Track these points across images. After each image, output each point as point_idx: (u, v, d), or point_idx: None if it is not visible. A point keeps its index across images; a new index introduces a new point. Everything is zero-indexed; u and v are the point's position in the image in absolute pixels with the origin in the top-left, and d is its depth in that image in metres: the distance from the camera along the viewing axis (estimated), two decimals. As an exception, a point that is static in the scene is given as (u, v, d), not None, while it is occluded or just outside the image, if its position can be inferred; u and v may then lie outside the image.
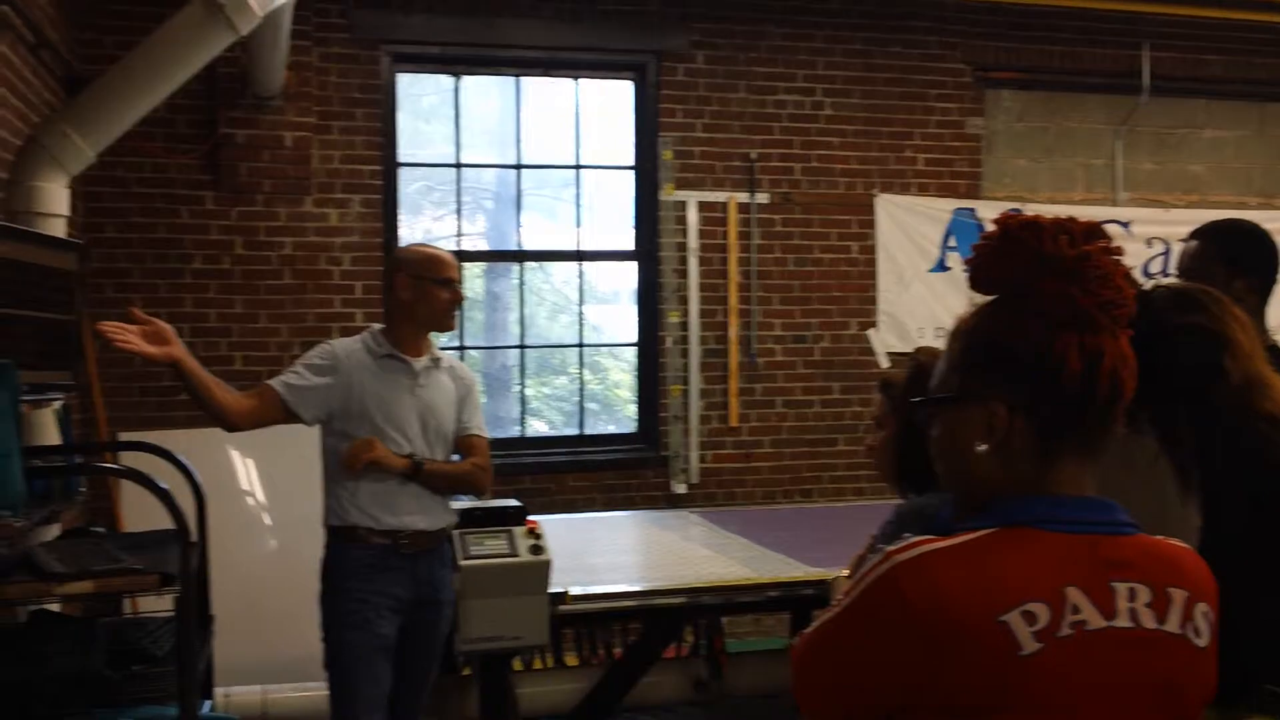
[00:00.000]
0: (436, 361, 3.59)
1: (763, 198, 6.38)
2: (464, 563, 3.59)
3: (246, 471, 5.50)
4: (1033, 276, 1.39)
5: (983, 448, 1.39)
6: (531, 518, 3.80)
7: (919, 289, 6.57)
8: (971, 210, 6.64)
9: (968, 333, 1.45)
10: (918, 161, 6.65)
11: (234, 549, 5.24)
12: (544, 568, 3.66)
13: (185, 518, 2.80)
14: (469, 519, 3.71)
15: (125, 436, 5.32)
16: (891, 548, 1.35)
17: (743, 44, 6.32)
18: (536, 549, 3.67)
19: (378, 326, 3.58)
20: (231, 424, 3.36)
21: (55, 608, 3.42)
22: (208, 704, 3.29)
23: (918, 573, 1.31)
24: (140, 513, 4.36)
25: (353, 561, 3.42)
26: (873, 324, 6.56)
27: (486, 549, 3.65)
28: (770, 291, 6.42)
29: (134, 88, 4.04)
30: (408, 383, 3.51)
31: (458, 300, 3.54)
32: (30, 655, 2.80)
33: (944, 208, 6.63)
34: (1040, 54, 6.71)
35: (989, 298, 1.45)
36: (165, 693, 2.87)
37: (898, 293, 6.56)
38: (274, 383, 3.41)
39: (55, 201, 3.95)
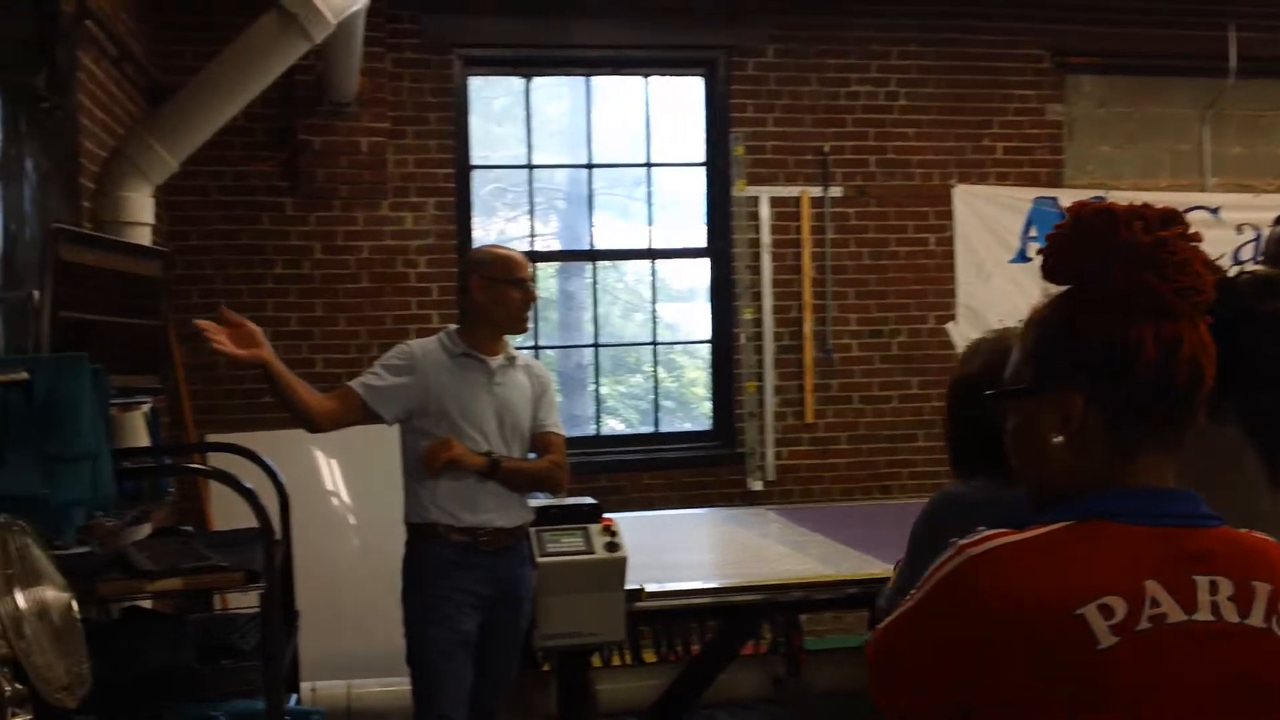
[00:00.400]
0: (512, 360, 3.62)
1: (836, 191, 6.34)
2: (541, 560, 3.63)
3: (331, 471, 5.59)
4: (1107, 264, 1.37)
5: (1058, 439, 1.37)
6: (607, 515, 3.82)
7: (999, 280, 6.47)
8: (1053, 199, 6.52)
9: (1041, 323, 1.43)
10: (996, 150, 6.55)
11: (319, 547, 5.33)
12: (619, 565, 3.68)
13: (269, 516, 2.87)
14: (546, 517, 3.75)
15: (212, 438, 5.43)
16: (964, 540, 1.34)
17: (814, 36, 6.28)
18: (612, 546, 3.69)
19: (453, 327, 3.63)
20: (315, 425, 3.43)
21: (148, 604, 3.52)
22: (294, 697, 3.35)
23: (990, 566, 1.29)
24: (228, 512, 4.44)
25: (434, 559, 3.46)
26: (952, 317, 6.48)
27: (563, 546, 3.68)
28: (845, 286, 6.37)
29: (213, 98, 4.13)
30: (484, 381, 3.54)
31: (530, 300, 3.58)
32: (123, 651, 2.88)
33: (1024, 197, 6.52)
34: (1122, 38, 6.56)
35: (1063, 287, 1.43)
36: (253, 686, 2.93)
37: (977, 285, 6.47)
38: (354, 384, 3.47)
39: (140, 210, 4.06)
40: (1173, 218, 1.37)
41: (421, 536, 3.50)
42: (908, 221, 6.43)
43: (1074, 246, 1.41)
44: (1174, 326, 1.34)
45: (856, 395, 6.39)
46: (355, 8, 4.41)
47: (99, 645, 2.87)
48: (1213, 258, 1.60)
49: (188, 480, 5.33)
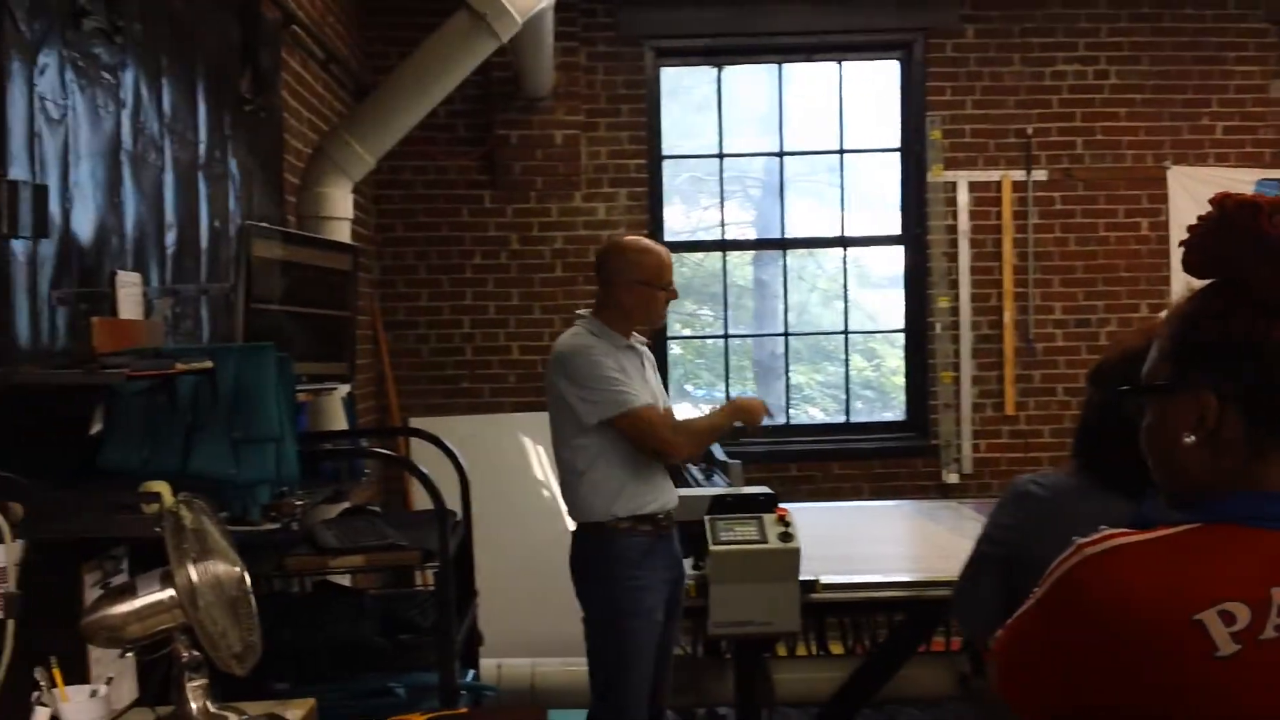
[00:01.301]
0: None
1: (1040, 175, 6.13)
2: (713, 548, 3.64)
3: (538, 457, 5.74)
4: (1248, 259, 1.31)
5: (1190, 440, 1.32)
6: (782, 505, 3.82)
7: (1219, 267, 6.12)
8: (1278, 181, 6.15)
9: (1179, 319, 1.37)
10: (1215, 130, 6.21)
11: (524, 530, 5.50)
12: (793, 555, 3.66)
13: (442, 498, 2.99)
14: (720, 505, 3.77)
15: (414, 422, 5.68)
16: (1084, 539, 1.30)
17: (1016, 15, 6.08)
18: (786, 536, 3.68)
19: (584, 313, 3.63)
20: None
21: (346, 581, 3.72)
22: (471, 673, 3.46)
23: (1106, 566, 1.26)
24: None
25: (628, 550, 3.45)
26: (1167, 305, 6.16)
27: (736, 535, 3.69)
28: (1049, 274, 6.15)
29: (405, 97, 4.29)
30: (641, 366, 3.59)
31: (672, 299, 3.62)
32: (309, 622, 3.06)
33: (1246, 179, 6.15)
34: (1356, 6, 6.13)
35: (1205, 281, 1.38)
36: (431, 661, 3.06)
37: (1195, 272, 6.14)
38: (645, 406, 3.43)
39: (340, 205, 4.26)
40: (1322, 211, 1.30)
41: (609, 532, 3.46)
42: (1118, 206, 6.16)
43: (1215, 240, 1.35)
44: None
45: (1060, 387, 6.16)
46: (542, 5, 4.51)
47: (287, 616, 3.07)
48: None
49: (393, 461, 5.58)
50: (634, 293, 3.52)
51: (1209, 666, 1.20)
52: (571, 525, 3.57)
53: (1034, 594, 1.36)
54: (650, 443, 3.43)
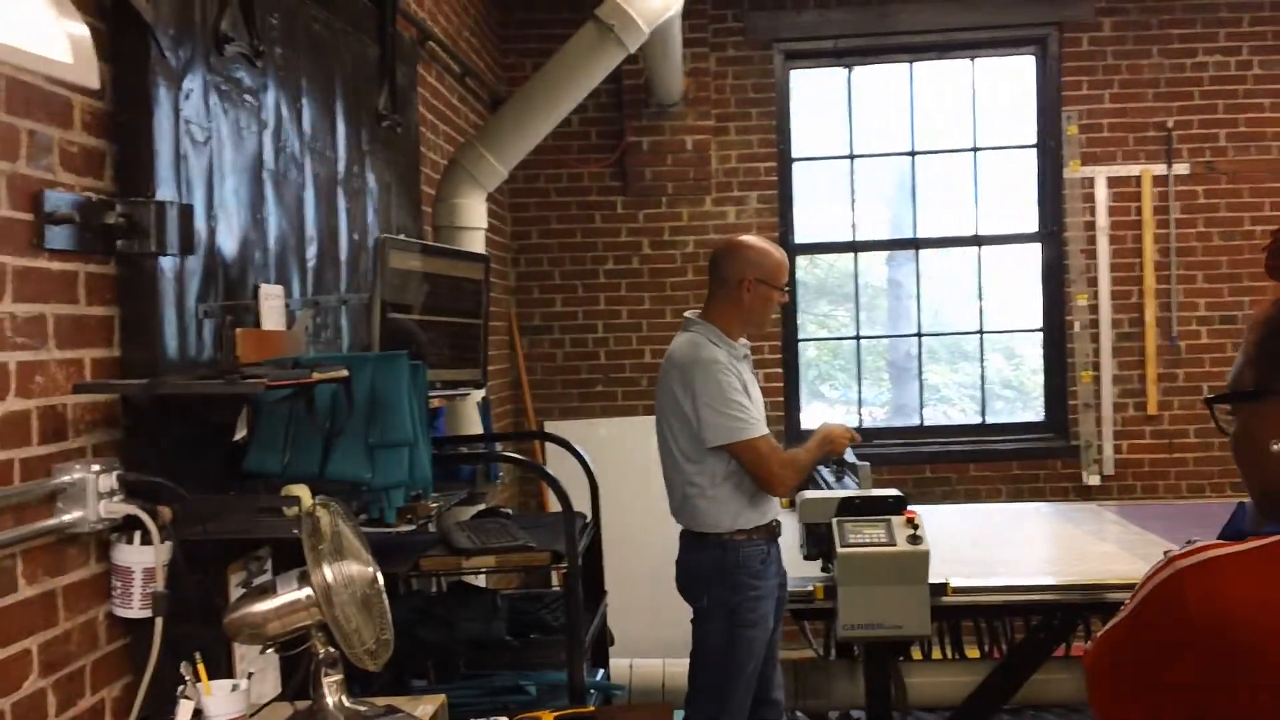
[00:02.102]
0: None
1: (1182, 169, 5.95)
2: (841, 550, 3.64)
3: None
4: None
5: (1277, 447, 1.30)
6: (912, 508, 3.79)
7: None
8: None
9: (1263, 324, 1.36)
10: (1364, 119, 5.96)
11: (657, 531, 5.53)
12: (922, 558, 3.64)
13: (569, 500, 3.06)
14: (848, 508, 3.76)
15: (550, 426, 5.81)
16: (1176, 551, 1.30)
17: (1154, 6, 5.93)
18: (914, 539, 3.65)
19: (693, 314, 3.66)
20: None
21: (481, 581, 3.83)
22: (601, 672, 3.53)
23: (1200, 579, 1.25)
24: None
25: (751, 559, 3.48)
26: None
27: (864, 537, 3.68)
28: (1192, 269, 5.97)
29: (536, 109, 4.38)
30: (752, 374, 3.61)
31: (783, 303, 3.62)
32: (443, 620, 3.16)
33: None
34: None
35: None
36: (562, 660, 3.13)
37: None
38: (763, 438, 3.45)
39: (474, 215, 4.37)
40: None
41: (729, 542, 3.47)
42: (1264, 199, 5.96)
43: None
44: None
45: (1206, 385, 5.97)
46: (669, 14, 4.56)
47: (423, 614, 3.18)
48: None
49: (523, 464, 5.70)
50: (753, 292, 3.52)
51: None
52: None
53: (1125, 606, 1.35)
54: (759, 474, 3.44)
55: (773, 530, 3.54)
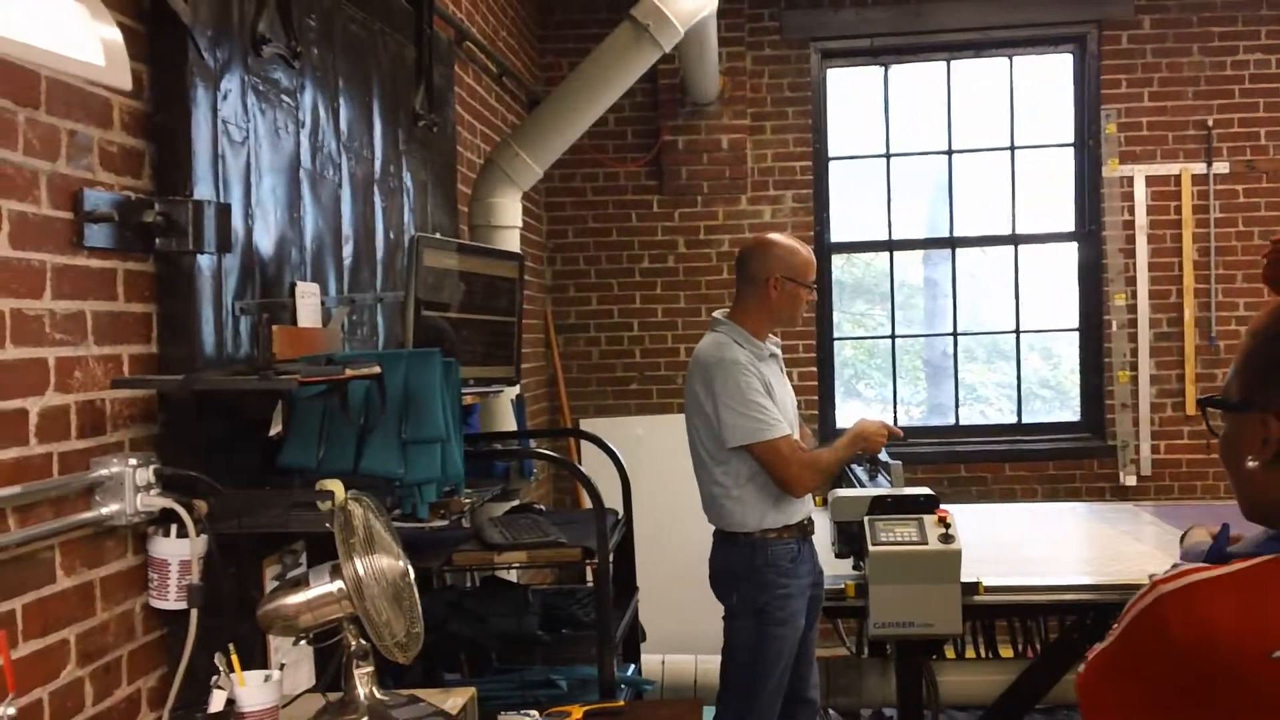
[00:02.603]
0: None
1: (1222, 167, 5.90)
2: (873, 549, 3.64)
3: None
4: None
5: (1254, 463, 1.30)
6: (946, 506, 3.79)
7: None
8: None
9: (1251, 335, 1.36)
10: None
11: (691, 528, 5.54)
12: (954, 557, 3.63)
13: (601, 497, 3.08)
14: (880, 506, 3.76)
15: (585, 423, 5.84)
16: (1159, 576, 1.30)
17: (1195, 3, 5.89)
18: (946, 538, 3.65)
19: (721, 314, 3.65)
20: None
21: (513, 576, 3.86)
22: (632, 667, 3.55)
23: (1183, 604, 1.25)
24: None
25: (781, 557, 3.49)
26: (1360, 301, 5.86)
27: (896, 536, 3.68)
28: (1232, 269, 5.92)
29: (572, 109, 4.41)
30: (780, 374, 3.62)
31: (812, 300, 3.61)
32: (476, 615, 3.20)
33: None
34: None
35: None
36: (593, 655, 3.15)
37: (1392, 265, 5.82)
38: (783, 439, 3.44)
39: (509, 214, 4.40)
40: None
41: (759, 541, 3.49)
42: (1305, 198, 5.90)
43: None
44: None
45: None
46: (704, 13, 4.58)
47: (456, 607, 3.22)
48: None
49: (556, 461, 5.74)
50: (780, 289, 3.53)
51: None
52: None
53: (1113, 630, 1.36)
54: (779, 475, 3.44)
55: (804, 529, 3.55)
